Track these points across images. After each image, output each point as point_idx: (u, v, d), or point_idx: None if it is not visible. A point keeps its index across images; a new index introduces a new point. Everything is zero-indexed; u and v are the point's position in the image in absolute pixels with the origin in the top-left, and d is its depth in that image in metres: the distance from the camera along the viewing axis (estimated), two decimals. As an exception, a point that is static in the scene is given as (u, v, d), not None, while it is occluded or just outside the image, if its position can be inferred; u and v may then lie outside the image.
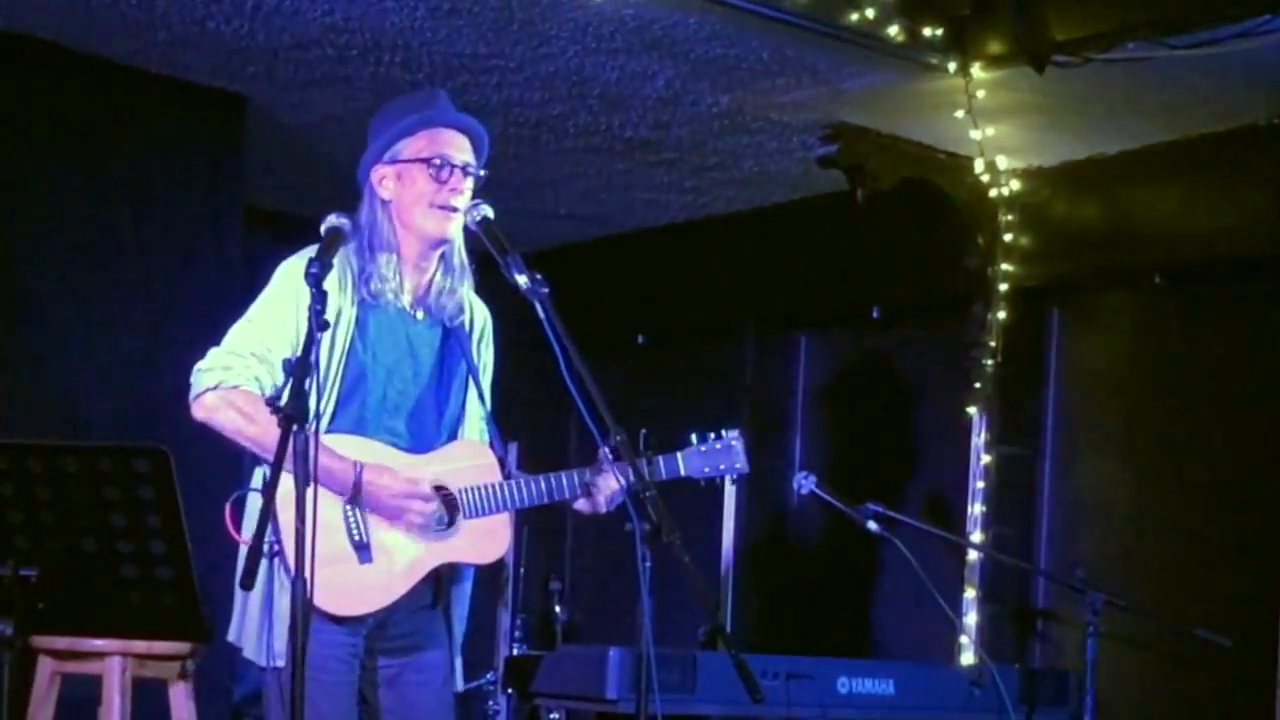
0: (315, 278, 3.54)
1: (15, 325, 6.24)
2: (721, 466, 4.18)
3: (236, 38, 6.11)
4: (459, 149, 4.00)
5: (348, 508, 3.88)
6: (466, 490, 3.97)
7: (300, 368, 3.45)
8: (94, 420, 6.29)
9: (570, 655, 5.58)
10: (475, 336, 4.14)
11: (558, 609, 7.10)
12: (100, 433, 6.18)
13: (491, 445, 4.10)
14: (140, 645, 4.80)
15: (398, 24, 5.91)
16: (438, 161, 3.95)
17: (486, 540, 4.01)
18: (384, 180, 4.00)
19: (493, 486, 3.99)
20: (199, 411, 3.90)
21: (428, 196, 3.95)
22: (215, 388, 3.86)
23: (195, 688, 5.01)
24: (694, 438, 4.18)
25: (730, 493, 7.75)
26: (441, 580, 4.04)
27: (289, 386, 3.44)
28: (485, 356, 4.18)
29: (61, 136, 6.39)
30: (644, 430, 4.05)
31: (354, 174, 4.11)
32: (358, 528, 3.89)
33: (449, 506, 3.97)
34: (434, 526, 3.95)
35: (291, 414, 3.39)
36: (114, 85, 6.47)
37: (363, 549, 3.89)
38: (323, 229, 3.76)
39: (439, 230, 3.97)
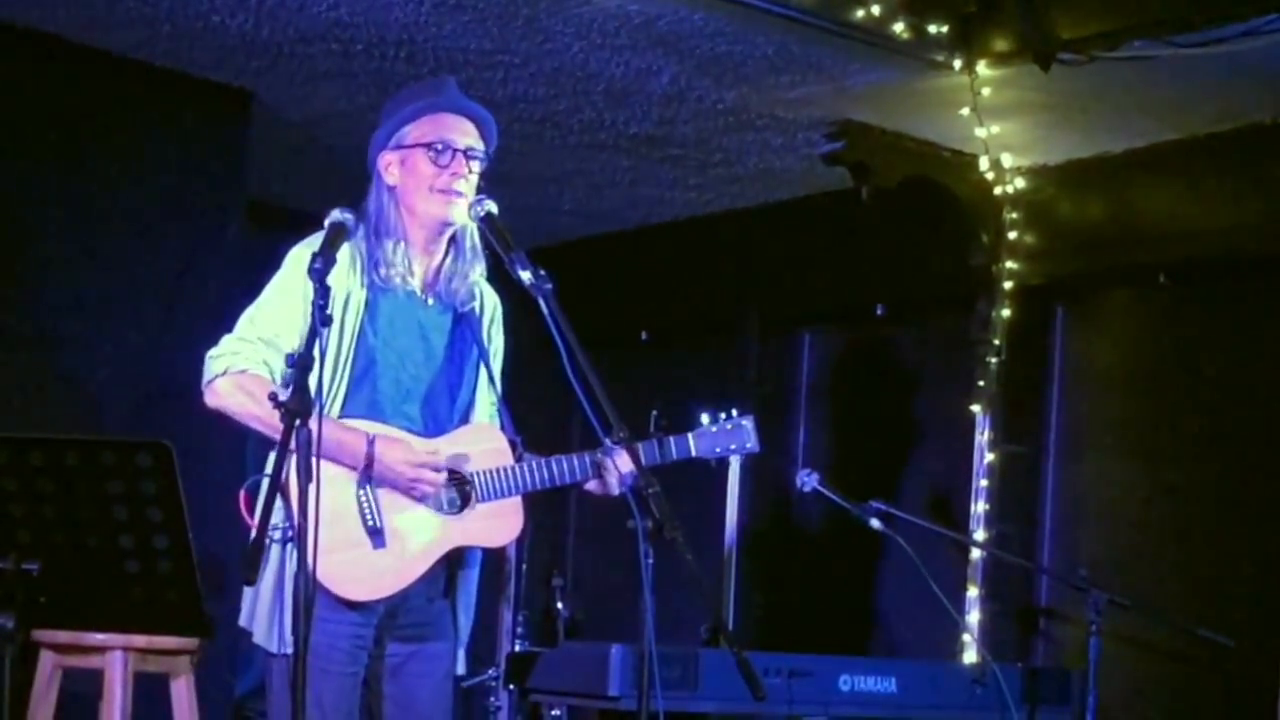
0: (318, 273, 3.56)
1: (20, 317, 6.25)
2: (732, 446, 4.18)
3: (241, 32, 6.11)
4: (462, 133, 4.02)
5: (361, 492, 3.89)
6: (480, 473, 3.98)
7: (303, 362, 3.46)
8: (100, 412, 6.30)
9: (572, 652, 5.58)
10: (486, 321, 4.15)
11: (560, 605, 7.09)
12: (106, 425, 6.19)
13: (503, 428, 4.10)
14: (142, 640, 4.81)
15: (402, 19, 5.91)
16: (439, 146, 3.97)
17: (500, 523, 4.02)
18: (389, 166, 4.02)
19: (505, 469, 3.99)
20: (210, 398, 3.93)
21: (429, 180, 3.97)
22: (224, 373, 3.89)
23: (197, 682, 5.01)
24: (705, 418, 4.18)
25: (733, 489, 7.74)
26: (453, 566, 4.05)
27: (292, 381, 3.46)
28: (496, 341, 4.19)
29: (66, 130, 6.39)
30: (655, 411, 4.05)
31: (358, 168, 4.13)
32: (371, 513, 3.90)
33: (462, 490, 3.97)
34: (447, 509, 3.96)
35: (294, 409, 3.39)
36: (119, 79, 6.47)
37: (376, 534, 3.89)
38: (326, 223, 3.77)
39: (441, 214, 3.99)
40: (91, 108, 6.47)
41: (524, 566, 6.87)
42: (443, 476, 3.93)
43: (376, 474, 3.88)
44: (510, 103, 6.62)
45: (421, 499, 3.92)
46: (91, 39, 6.29)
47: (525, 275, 3.81)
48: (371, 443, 3.86)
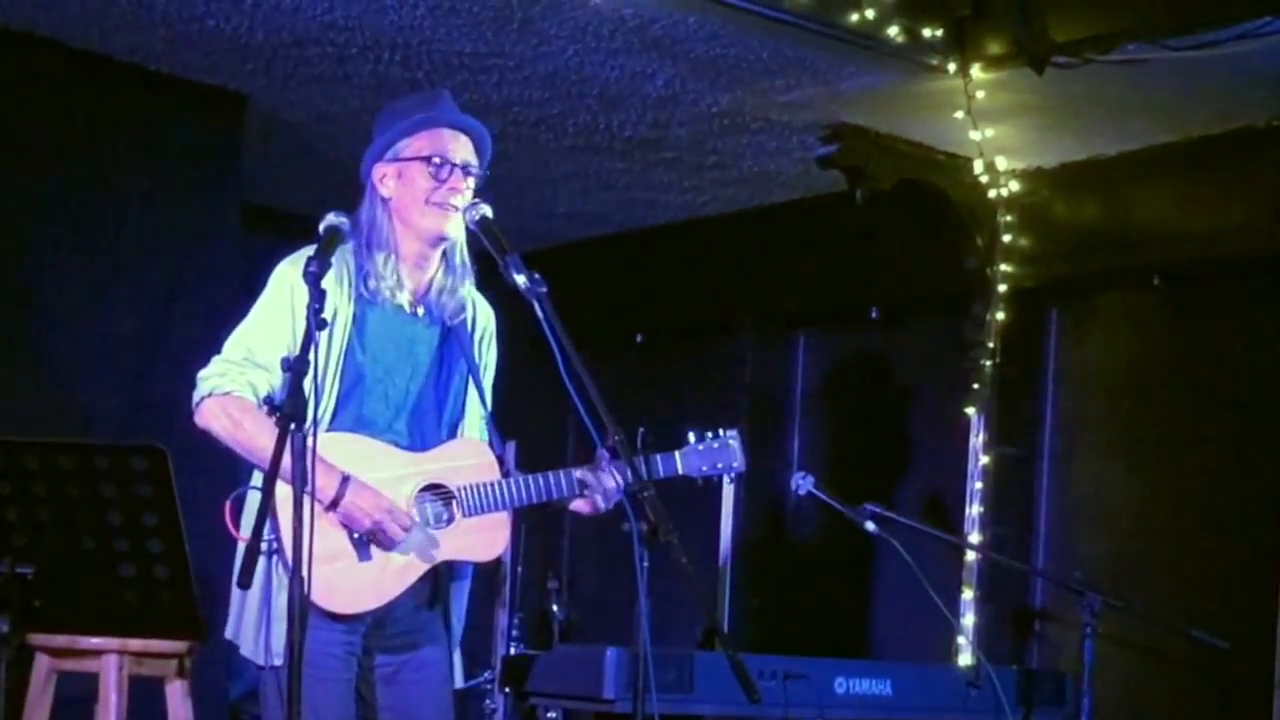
0: (314, 276, 3.56)
1: (14, 321, 6.24)
2: (719, 465, 4.18)
3: (236, 35, 6.11)
4: (459, 148, 4.02)
5: None
6: (465, 488, 3.97)
7: (298, 366, 3.46)
8: (93, 416, 6.29)
9: (567, 655, 5.58)
10: (477, 335, 4.14)
11: (555, 608, 7.09)
12: (99, 429, 6.18)
13: (490, 444, 4.10)
14: (137, 643, 4.81)
15: (397, 22, 5.91)
16: (437, 160, 3.97)
17: (485, 538, 4.01)
18: (384, 178, 4.02)
19: (491, 485, 3.99)
20: (198, 420, 3.94)
21: (425, 194, 3.97)
22: (210, 395, 3.89)
23: (192, 686, 5.01)
24: (691, 436, 4.17)
25: (728, 493, 7.74)
26: (440, 578, 4.05)
27: (287, 386, 3.45)
28: (487, 356, 4.18)
29: (61, 134, 6.38)
30: (642, 429, 4.05)
31: (353, 171, 4.12)
32: None
33: (448, 504, 3.97)
34: (433, 524, 3.96)
35: (289, 414, 3.39)
36: (113, 83, 6.47)
37: (362, 547, 3.89)
38: (321, 228, 3.77)
39: (437, 228, 3.97)
40: (86, 112, 6.46)
41: (519, 569, 6.87)
42: (405, 533, 3.90)
43: (341, 512, 3.86)
44: (505, 106, 6.62)
45: (383, 547, 3.91)
46: (86, 43, 6.29)
47: (520, 279, 3.81)
48: (344, 482, 3.84)
